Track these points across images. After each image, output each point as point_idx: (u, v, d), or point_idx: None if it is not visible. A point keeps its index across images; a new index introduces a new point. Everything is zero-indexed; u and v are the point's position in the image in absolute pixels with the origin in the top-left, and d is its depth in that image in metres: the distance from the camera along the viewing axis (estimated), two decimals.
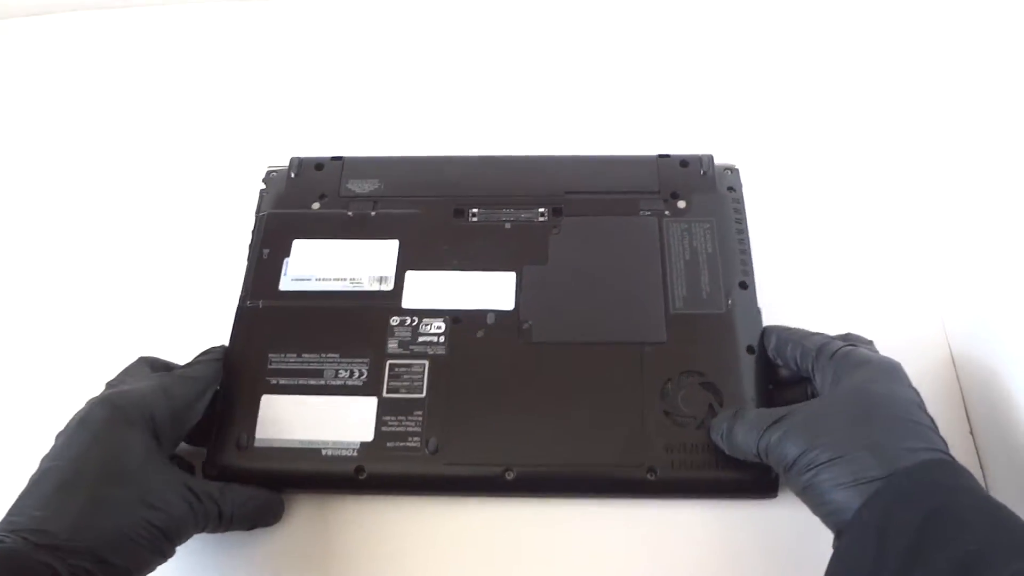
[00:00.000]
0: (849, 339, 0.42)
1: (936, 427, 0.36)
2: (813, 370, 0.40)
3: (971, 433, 0.45)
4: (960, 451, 0.39)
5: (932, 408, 0.37)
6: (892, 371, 0.38)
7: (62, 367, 0.48)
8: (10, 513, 0.36)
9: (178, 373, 0.43)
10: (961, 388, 0.47)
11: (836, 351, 0.39)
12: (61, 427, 0.39)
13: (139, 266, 0.53)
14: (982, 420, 0.45)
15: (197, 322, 0.50)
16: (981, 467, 0.44)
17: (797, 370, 0.42)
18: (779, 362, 0.43)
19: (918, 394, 0.38)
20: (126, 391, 0.40)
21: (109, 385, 0.42)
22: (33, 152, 0.58)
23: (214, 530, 0.40)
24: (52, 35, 0.63)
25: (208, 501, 0.39)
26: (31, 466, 0.40)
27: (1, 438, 0.47)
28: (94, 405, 0.39)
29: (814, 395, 0.41)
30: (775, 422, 0.37)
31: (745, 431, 0.39)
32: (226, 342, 0.46)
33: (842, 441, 0.34)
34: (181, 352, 0.46)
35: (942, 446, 0.35)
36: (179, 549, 0.38)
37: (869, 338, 0.42)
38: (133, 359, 0.47)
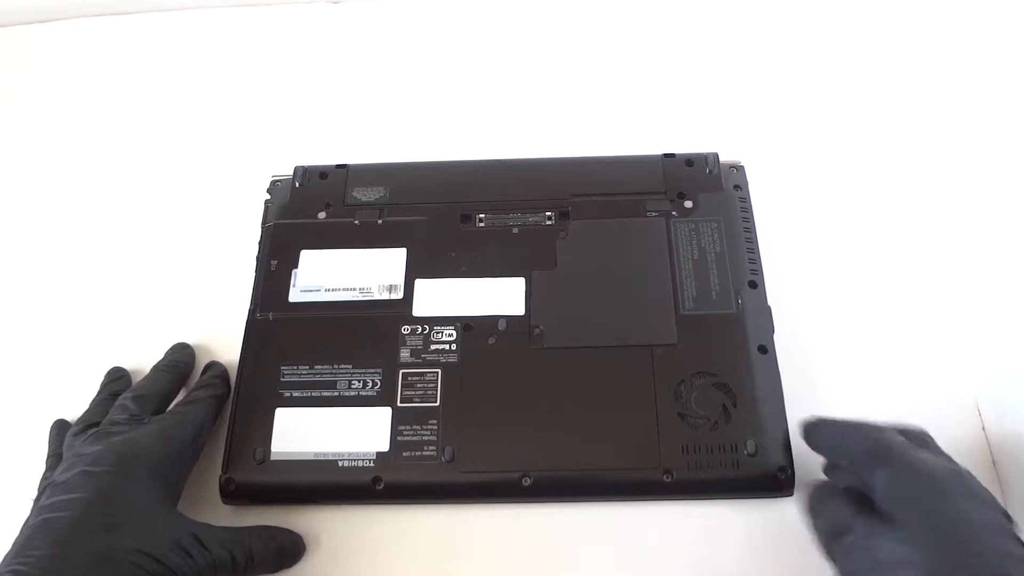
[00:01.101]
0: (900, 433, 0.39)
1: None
2: (860, 472, 0.37)
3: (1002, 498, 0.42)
4: None
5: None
6: (958, 481, 0.35)
7: (66, 384, 0.48)
8: (14, 560, 0.35)
9: (176, 413, 0.43)
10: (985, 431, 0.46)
11: (884, 456, 0.36)
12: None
13: (142, 279, 0.52)
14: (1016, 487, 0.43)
15: (205, 336, 0.49)
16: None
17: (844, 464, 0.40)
18: (826, 458, 0.41)
19: (991, 502, 0.35)
20: (128, 439, 0.40)
21: (89, 415, 0.44)
22: (37, 161, 0.58)
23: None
24: (55, 43, 0.63)
25: (218, 549, 0.39)
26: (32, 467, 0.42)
27: (10, 460, 0.47)
28: (97, 455, 0.39)
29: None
30: (844, 533, 0.36)
31: (819, 524, 0.38)
32: (235, 356, 0.46)
33: None
34: None
35: None
36: None
37: (918, 425, 0.40)
38: (138, 376, 0.48)
